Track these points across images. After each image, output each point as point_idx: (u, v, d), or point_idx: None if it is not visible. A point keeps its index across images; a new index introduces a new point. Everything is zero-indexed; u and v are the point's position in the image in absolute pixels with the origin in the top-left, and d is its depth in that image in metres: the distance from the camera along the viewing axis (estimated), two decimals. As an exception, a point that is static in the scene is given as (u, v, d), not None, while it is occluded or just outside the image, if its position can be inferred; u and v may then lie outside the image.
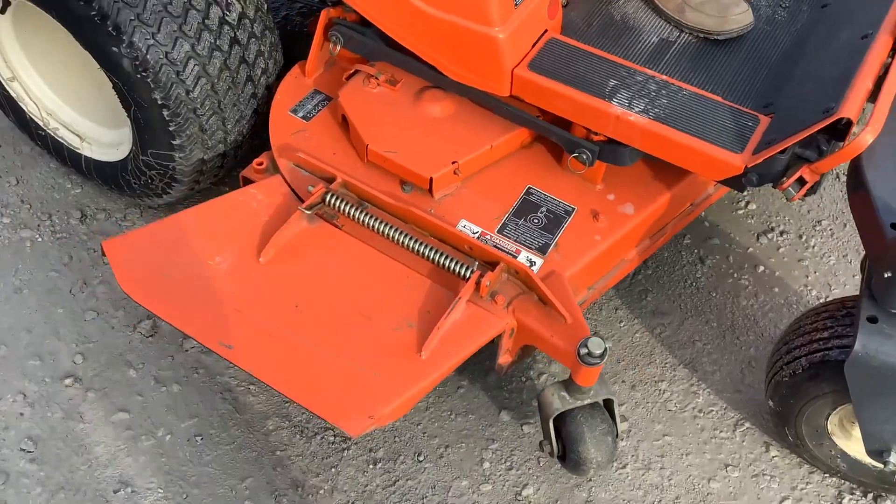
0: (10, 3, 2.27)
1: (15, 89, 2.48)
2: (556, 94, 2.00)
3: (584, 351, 1.81)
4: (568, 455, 1.99)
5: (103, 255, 1.91)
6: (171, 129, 2.13)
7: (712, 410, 2.30)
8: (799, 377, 1.93)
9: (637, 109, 1.96)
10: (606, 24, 2.20)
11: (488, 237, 2.05)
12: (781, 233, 2.69)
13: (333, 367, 1.81)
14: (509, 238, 2.06)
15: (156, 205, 2.52)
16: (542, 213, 2.11)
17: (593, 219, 2.11)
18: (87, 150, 2.48)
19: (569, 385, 1.94)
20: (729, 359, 2.39)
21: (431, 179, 2.07)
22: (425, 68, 2.15)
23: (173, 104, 2.08)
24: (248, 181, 2.18)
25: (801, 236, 2.68)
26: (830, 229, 2.70)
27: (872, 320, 1.75)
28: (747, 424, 2.27)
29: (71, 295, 2.40)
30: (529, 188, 2.15)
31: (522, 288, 1.97)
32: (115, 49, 1.99)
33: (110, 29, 1.96)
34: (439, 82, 2.18)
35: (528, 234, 2.07)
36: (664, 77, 2.03)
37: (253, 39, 2.19)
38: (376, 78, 2.21)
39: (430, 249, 1.97)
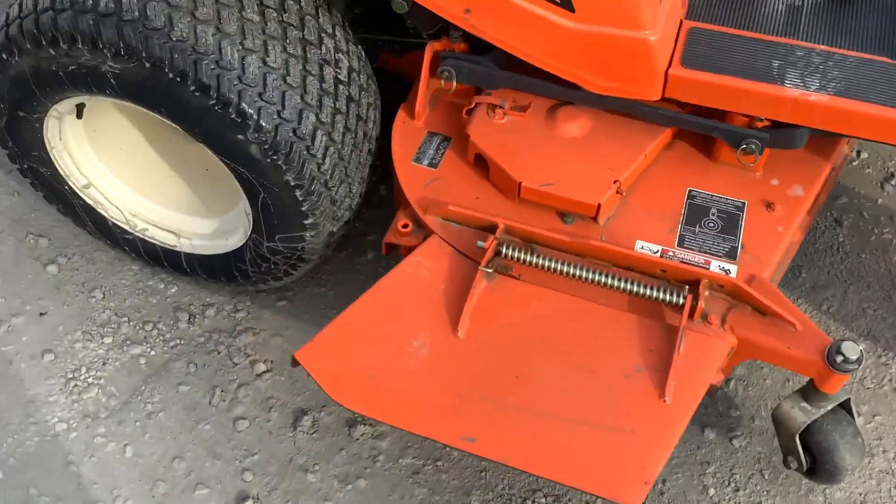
0: (83, 107, 2.04)
1: (92, 196, 2.24)
2: (722, 87, 1.85)
3: (839, 358, 1.67)
4: (820, 467, 1.86)
5: (294, 365, 1.71)
6: (303, 208, 1.93)
7: (910, 378, 2.20)
8: None
9: (813, 87, 1.83)
10: (726, -2, 2.05)
11: (671, 253, 1.90)
12: (904, 176, 2.59)
13: (583, 435, 1.65)
14: (692, 249, 1.91)
15: (268, 288, 2.32)
16: (713, 215, 1.96)
17: (768, 209, 1.97)
18: (185, 247, 2.26)
19: (808, 394, 1.81)
20: (906, 320, 2.29)
21: (599, 206, 1.91)
22: (555, 86, 1.99)
23: (307, 182, 1.88)
24: (393, 247, 2.00)
25: (924, 176, 2.59)
26: (949, 163, 2.62)
27: None
28: (951, 385, 2.18)
29: (212, 406, 2.19)
30: (691, 191, 2.00)
31: (730, 302, 1.83)
32: (241, 136, 1.79)
33: (234, 116, 1.76)
34: (570, 98, 2.02)
35: (710, 240, 1.92)
36: (823, 47, 1.90)
37: (363, 93, 2.00)
38: (501, 107, 2.04)
39: (631, 282, 1.81)
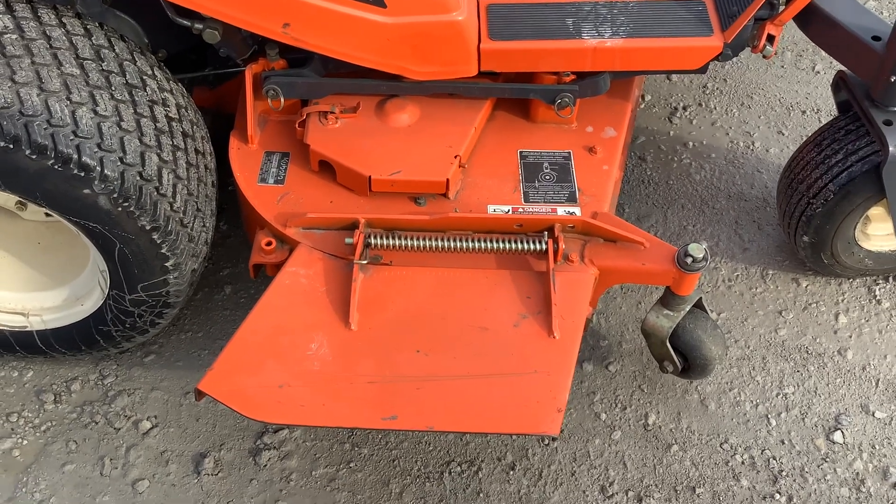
0: None
1: (-81, 297, 2.09)
2: (531, 52, 2.03)
3: (689, 260, 1.88)
4: (692, 364, 2.07)
5: (199, 398, 1.70)
6: (163, 251, 1.91)
7: (737, 275, 2.48)
8: (831, 202, 2.13)
9: (607, 35, 2.04)
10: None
11: (521, 209, 2.05)
12: (684, 108, 2.91)
13: (493, 386, 1.75)
14: (538, 202, 2.07)
15: (132, 346, 2.25)
16: (546, 168, 2.14)
17: (590, 153, 2.17)
18: (37, 324, 2.15)
19: (668, 301, 2.02)
20: (720, 228, 2.58)
21: (448, 181, 2.03)
22: (378, 82, 2.10)
23: (163, 223, 1.86)
24: (259, 267, 2.02)
25: (700, 104, 2.92)
26: (718, 89, 2.97)
27: (888, 123, 1.98)
28: (770, 271, 2.48)
29: (104, 477, 2.10)
30: (521, 152, 2.17)
31: (583, 238, 2.00)
32: (87, 190, 1.74)
33: (76, 171, 1.71)
34: (394, 91, 2.13)
35: (551, 191, 2.09)
36: (604, 0, 2.12)
37: (195, 127, 2.00)
38: (332, 112, 2.11)
39: (496, 241, 1.94)
